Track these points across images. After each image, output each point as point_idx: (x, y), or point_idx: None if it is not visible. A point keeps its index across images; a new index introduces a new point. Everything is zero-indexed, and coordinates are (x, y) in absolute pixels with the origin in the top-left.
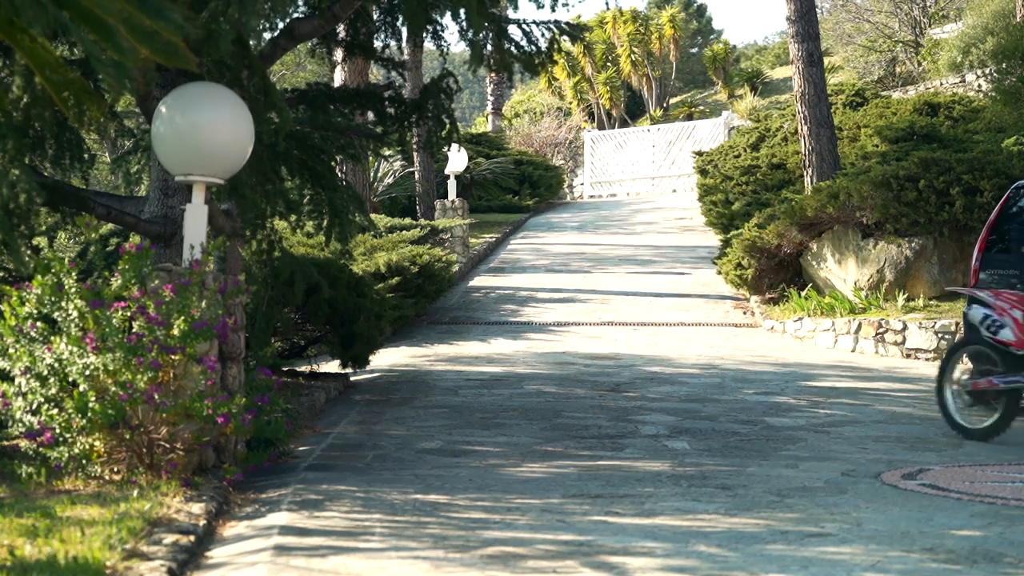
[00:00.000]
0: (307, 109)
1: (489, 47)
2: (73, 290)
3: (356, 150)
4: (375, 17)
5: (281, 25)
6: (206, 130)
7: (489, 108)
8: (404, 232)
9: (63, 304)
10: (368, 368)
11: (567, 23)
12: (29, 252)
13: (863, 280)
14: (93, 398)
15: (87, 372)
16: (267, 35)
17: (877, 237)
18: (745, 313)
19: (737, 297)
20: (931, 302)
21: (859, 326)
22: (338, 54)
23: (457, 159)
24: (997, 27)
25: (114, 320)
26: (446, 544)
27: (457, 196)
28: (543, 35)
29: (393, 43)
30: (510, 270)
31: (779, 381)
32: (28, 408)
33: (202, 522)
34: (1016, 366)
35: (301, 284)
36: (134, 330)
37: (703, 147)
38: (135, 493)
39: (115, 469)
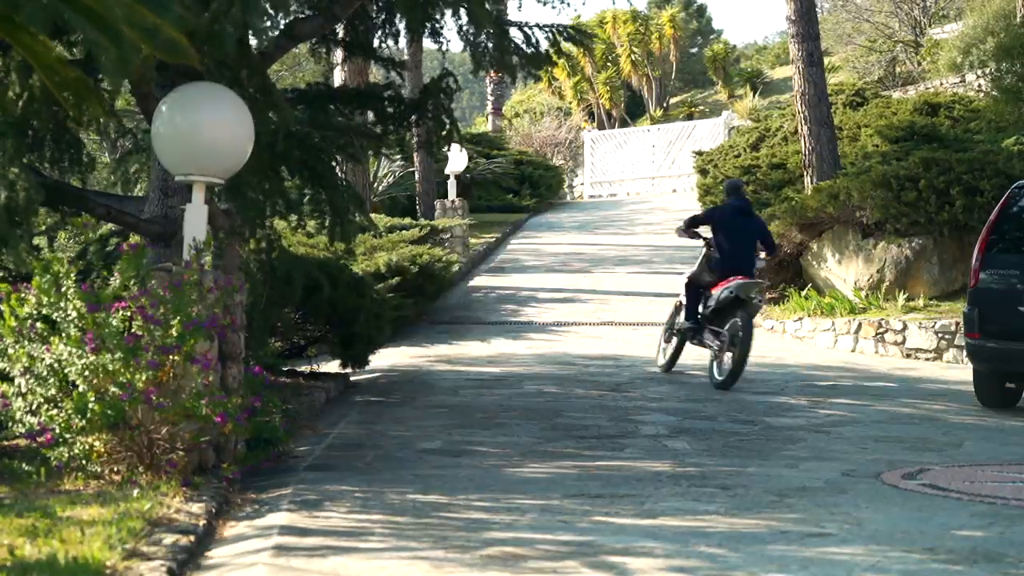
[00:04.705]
0: (307, 109)
1: (490, 46)
2: (72, 291)
3: (356, 150)
4: (374, 16)
5: (282, 24)
6: (206, 130)
7: (489, 108)
8: (404, 232)
9: (62, 304)
10: (368, 368)
11: (569, 27)
12: (29, 251)
13: (863, 280)
14: (92, 398)
15: (86, 372)
16: (271, 34)
17: (877, 237)
18: None
19: None
20: (931, 302)
21: (859, 326)
22: (338, 54)
23: (457, 159)
24: (997, 27)
25: (113, 321)
26: (446, 544)
27: (457, 196)
28: (545, 38)
29: (393, 43)
30: (510, 270)
31: (779, 381)
32: (28, 408)
33: (202, 522)
34: None
35: (299, 282)
36: (133, 330)
37: (703, 147)
38: (135, 493)
39: (115, 469)
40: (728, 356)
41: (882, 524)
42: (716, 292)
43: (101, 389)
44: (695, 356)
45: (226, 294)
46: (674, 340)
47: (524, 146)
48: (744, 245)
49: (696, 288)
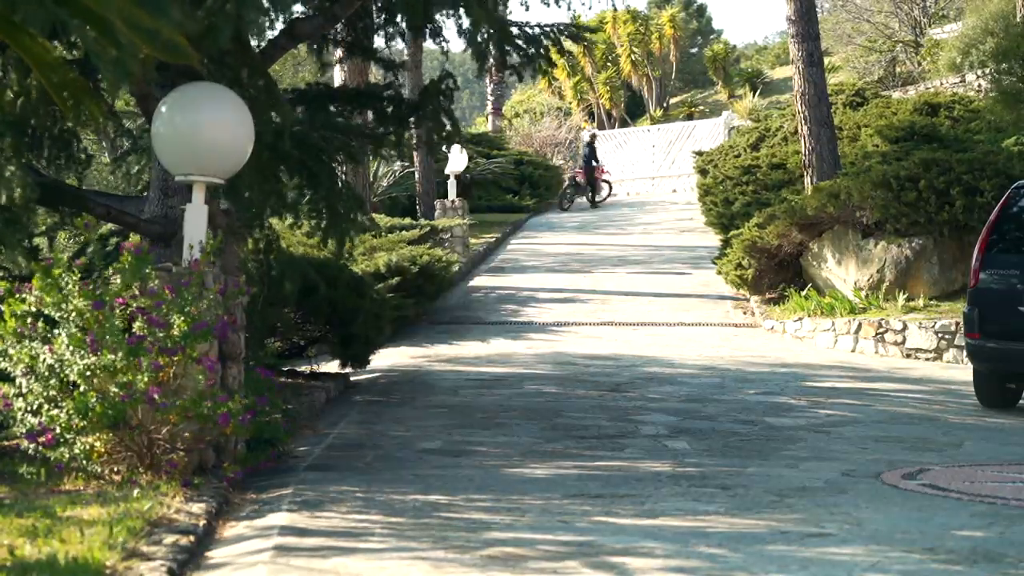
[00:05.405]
0: (307, 109)
1: (491, 46)
2: (75, 290)
3: (355, 150)
4: (375, 16)
5: (281, 24)
6: (206, 130)
7: (489, 108)
8: (404, 232)
9: (64, 304)
10: (368, 368)
11: (570, 25)
12: (26, 254)
13: (863, 280)
14: (93, 398)
15: (87, 373)
16: (269, 33)
17: (877, 237)
18: (745, 313)
19: (737, 297)
20: (931, 302)
21: (859, 326)
22: (338, 54)
23: (457, 159)
24: (997, 28)
25: (115, 320)
26: (447, 544)
27: (457, 196)
28: (547, 36)
29: (393, 42)
30: (510, 270)
31: (779, 381)
32: (29, 408)
33: (202, 522)
34: None
35: (292, 283)
36: (134, 330)
37: (703, 147)
38: (135, 493)
39: (115, 469)
40: (578, 198)
41: (882, 524)
42: (573, 179)
43: (102, 389)
44: (693, 358)
45: (230, 295)
46: (566, 195)
47: (524, 146)
48: (587, 162)
49: (571, 178)
